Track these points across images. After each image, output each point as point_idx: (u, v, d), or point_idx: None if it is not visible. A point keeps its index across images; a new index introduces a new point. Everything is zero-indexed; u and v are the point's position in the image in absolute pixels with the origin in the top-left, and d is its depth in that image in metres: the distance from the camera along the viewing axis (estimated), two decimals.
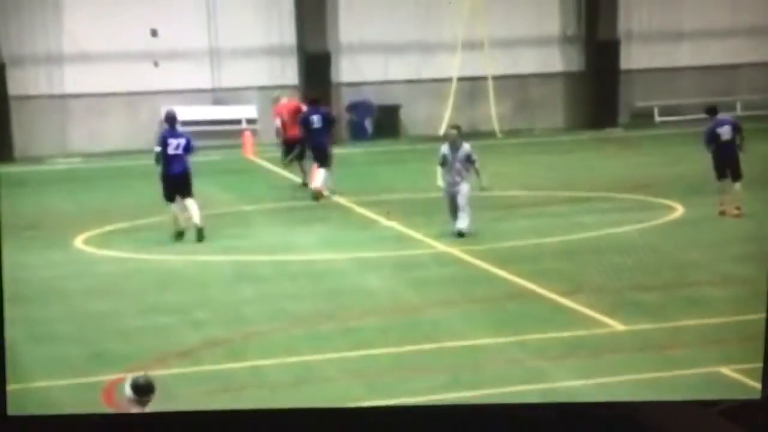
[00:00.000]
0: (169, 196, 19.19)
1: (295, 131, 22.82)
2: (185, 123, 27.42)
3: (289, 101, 24.09)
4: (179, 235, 19.07)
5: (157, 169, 19.24)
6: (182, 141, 19.23)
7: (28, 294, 15.94)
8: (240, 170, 23.86)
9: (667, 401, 12.07)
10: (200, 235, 18.97)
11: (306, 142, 22.26)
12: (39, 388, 12.62)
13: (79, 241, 18.95)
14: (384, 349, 13.48)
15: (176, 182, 19.12)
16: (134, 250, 18.38)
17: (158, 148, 19.17)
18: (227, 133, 27.39)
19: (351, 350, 13.42)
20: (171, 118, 19.44)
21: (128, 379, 9.89)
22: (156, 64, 27.32)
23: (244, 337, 14.16)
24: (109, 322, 14.70)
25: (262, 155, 25.18)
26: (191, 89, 27.97)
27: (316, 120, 22.17)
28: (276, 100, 24.55)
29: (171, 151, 19.11)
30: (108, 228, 19.80)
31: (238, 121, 27.95)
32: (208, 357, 13.42)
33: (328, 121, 22.38)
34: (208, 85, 28.24)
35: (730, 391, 12.16)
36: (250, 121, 28.24)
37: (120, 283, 16.74)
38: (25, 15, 27.20)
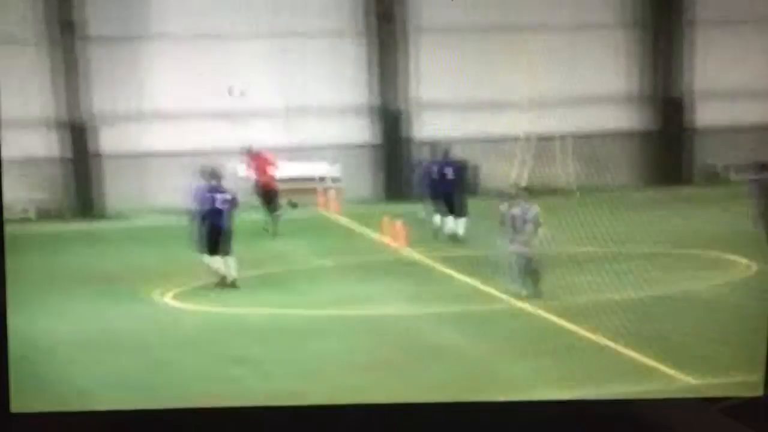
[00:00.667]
0: (213, 249, 19.71)
1: (273, 183, 24.18)
2: None
3: (261, 154, 24.75)
4: (224, 281, 19.66)
5: (196, 223, 19.99)
6: (228, 196, 19.80)
7: (109, 345, 16.49)
8: (318, 226, 24.27)
9: (669, 398, 12.35)
10: (234, 285, 19.62)
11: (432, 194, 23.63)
12: None
13: (160, 295, 19.41)
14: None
15: (220, 237, 19.59)
16: (213, 303, 18.84)
17: (199, 204, 19.76)
18: (306, 190, 27.81)
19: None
20: (216, 174, 19.97)
21: None
22: (233, 122, 27.79)
23: (315, 388, 14.34)
24: (185, 374, 15.07)
25: (343, 212, 25.64)
26: (267, 147, 28.36)
27: (449, 172, 23.36)
28: (248, 152, 25.49)
29: (218, 205, 19.67)
30: (187, 283, 20.17)
31: (314, 179, 28.39)
32: None
33: (461, 172, 23.50)
34: (284, 143, 28.63)
35: (732, 389, 12.28)
36: (334, 180, 28.68)
37: (198, 335, 17.14)
38: (109, 76, 27.88)
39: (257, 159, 24.68)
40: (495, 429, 11.67)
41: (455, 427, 11.68)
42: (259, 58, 28.47)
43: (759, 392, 12.19)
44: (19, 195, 27.08)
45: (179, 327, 17.68)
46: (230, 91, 27.98)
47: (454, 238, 22.82)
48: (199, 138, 27.73)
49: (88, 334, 17.05)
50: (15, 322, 17.27)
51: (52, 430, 12.27)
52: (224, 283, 19.83)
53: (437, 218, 23.17)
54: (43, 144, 27.70)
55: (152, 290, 19.60)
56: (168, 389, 14.35)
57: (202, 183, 20.13)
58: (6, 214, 25.69)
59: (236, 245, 20.50)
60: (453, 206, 23.25)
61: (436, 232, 23.05)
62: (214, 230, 19.78)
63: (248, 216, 22.87)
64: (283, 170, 28.00)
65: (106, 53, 27.86)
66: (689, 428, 11.76)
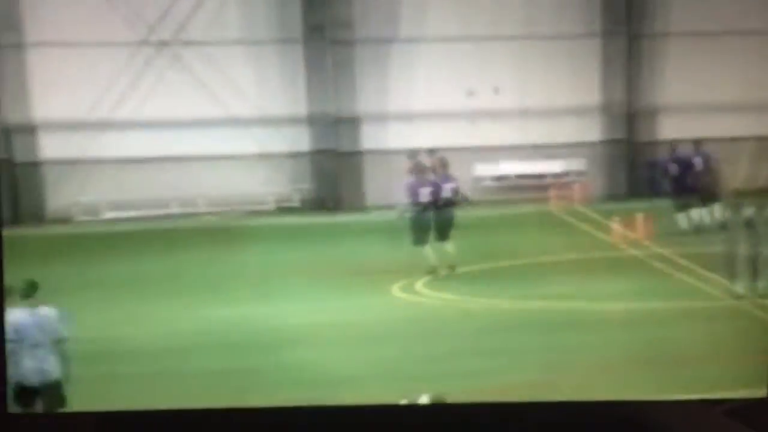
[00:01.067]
0: (439, 238, 21.29)
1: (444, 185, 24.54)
2: (499, 178, 29.06)
3: (438, 156, 25.50)
4: (450, 270, 21.02)
5: (412, 214, 21.43)
6: (454, 185, 21.21)
7: (349, 337, 17.62)
8: (552, 222, 25.11)
9: (672, 400, 12.40)
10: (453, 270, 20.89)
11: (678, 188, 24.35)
12: None
13: (401, 288, 20.58)
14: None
15: (446, 225, 20.95)
16: (449, 294, 19.88)
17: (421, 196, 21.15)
18: (540, 187, 28.65)
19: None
20: (444, 165, 21.17)
21: (426, 396, 10.95)
22: (472, 122, 28.82)
23: (553, 381, 14.92)
24: (422, 365, 15.96)
25: (583, 207, 26.26)
26: (503, 146, 29.34)
27: (697, 163, 24.29)
28: (414, 156, 25.82)
29: (444, 194, 21.06)
30: (426, 275, 21.29)
31: (547, 176, 29.12)
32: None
33: (708, 164, 24.57)
34: (518, 142, 29.46)
35: (735, 390, 12.26)
36: (579, 174, 29.49)
37: (438, 327, 18.12)
38: (369, 76, 29.44)
39: (433, 161, 25.71)
40: (497, 430, 11.72)
41: (458, 427, 11.78)
42: (500, 60, 29.39)
43: (762, 394, 12.10)
44: (285, 186, 28.91)
45: (420, 319, 18.57)
46: (469, 93, 29.00)
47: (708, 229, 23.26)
48: (444, 136, 28.84)
49: (331, 323, 18.21)
50: (259, 311, 19.07)
51: (49, 431, 12.78)
52: (448, 272, 21.15)
53: (694, 213, 23.73)
54: (309, 138, 29.45)
55: (394, 282, 20.68)
56: (409, 381, 14.95)
57: (411, 179, 21.76)
58: (270, 205, 27.74)
59: (466, 239, 21.72)
60: (702, 197, 23.72)
61: (698, 227, 23.55)
62: (440, 220, 21.13)
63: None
64: (518, 168, 28.98)
65: (368, 54, 29.43)
66: (692, 430, 11.64)
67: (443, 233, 21.31)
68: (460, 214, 23.63)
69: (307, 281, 21.05)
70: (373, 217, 27.24)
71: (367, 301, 19.74)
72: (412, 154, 26.54)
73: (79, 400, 13.53)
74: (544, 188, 28.18)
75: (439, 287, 20.55)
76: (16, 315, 13.25)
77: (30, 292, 13.50)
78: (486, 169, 29.19)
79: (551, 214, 26.11)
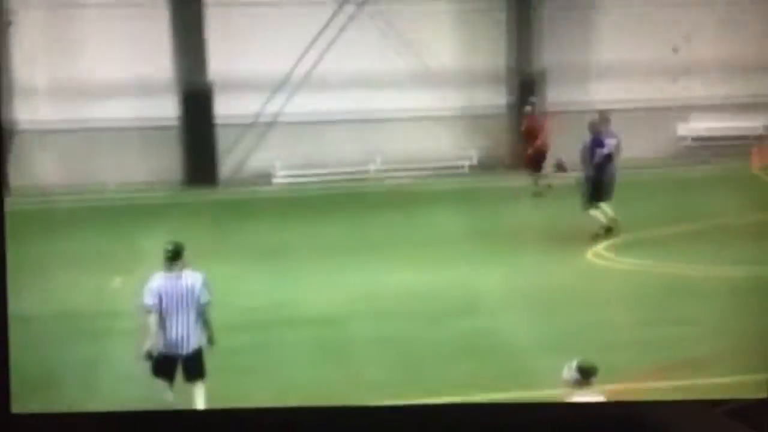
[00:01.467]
0: (601, 197, 20.67)
1: (544, 146, 24.51)
2: (700, 138, 28.46)
3: (537, 118, 25.46)
4: (608, 230, 20.54)
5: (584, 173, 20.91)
6: (614, 141, 20.76)
7: (542, 301, 17.47)
8: (755, 183, 24.67)
9: (673, 401, 12.01)
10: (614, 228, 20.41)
11: None
12: None
13: (592, 253, 20.24)
14: None
15: (608, 182, 20.58)
16: (639, 258, 19.48)
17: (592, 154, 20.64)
18: (745, 145, 27.92)
19: None
20: (606, 120, 20.54)
21: (573, 362, 10.59)
22: (673, 81, 28.33)
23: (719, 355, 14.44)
24: (606, 333, 15.57)
25: None
26: (702, 104, 28.98)
27: None
28: (530, 111, 25.80)
29: (606, 150, 20.44)
30: (618, 239, 20.83)
31: (750, 134, 28.44)
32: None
33: None
34: (719, 101, 28.94)
35: (737, 390, 11.90)
36: None
37: (627, 293, 17.79)
38: (556, 32, 29.13)
39: (533, 121, 25.22)
40: (497, 429, 11.67)
41: (458, 427, 11.72)
42: (701, 20, 28.73)
43: (763, 394, 11.79)
44: (474, 145, 28.93)
45: (613, 285, 18.36)
46: (675, 50, 28.45)
47: None
48: (644, 93, 28.40)
49: (518, 288, 18.12)
50: (450, 276, 18.87)
51: (53, 431, 12.55)
52: (611, 231, 20.67)
53: None
54: (502, 96, 29.55)
55: (583, 246, 20.41)
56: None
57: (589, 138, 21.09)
58: (448, 163, 27.84)
59: (665, 200, 21.44)
60: None
61: None
62: (603, 176, 20.63)
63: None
64: (719, 127, 28.41)
65: (556, 12, 29.21)
66: (692, 430, 11.52)
67: (608, 192, 20.66)
68: (662, 174, 23.22)
69: (500, 243, 20.84)
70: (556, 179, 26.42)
71: (558, 267, 19.44)
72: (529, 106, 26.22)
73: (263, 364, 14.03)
74: (746, 147, 27.49)
75: (626, 251, 20.10)
76: (161, 280, 12.80)
77: (176, 255, 12.77)
78: (687, 129, 29.07)
79: (751, 174, 25.28)
